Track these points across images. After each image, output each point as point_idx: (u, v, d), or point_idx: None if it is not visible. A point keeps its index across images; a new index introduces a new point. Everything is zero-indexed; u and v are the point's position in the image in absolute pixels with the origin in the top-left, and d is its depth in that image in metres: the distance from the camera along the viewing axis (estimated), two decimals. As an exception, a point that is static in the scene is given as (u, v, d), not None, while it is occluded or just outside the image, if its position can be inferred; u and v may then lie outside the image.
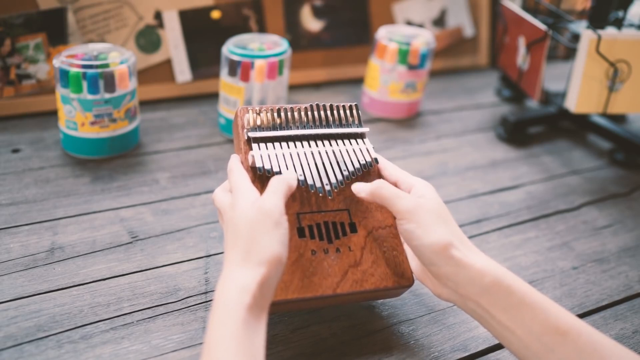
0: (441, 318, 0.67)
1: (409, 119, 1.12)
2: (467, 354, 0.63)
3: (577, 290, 0.74)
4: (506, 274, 0.55)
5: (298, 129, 0.65)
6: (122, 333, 0.61)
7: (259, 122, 0.64)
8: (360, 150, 0.66)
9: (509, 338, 0.53)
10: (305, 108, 0.66)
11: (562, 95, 1.01)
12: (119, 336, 0.60)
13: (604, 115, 1.10)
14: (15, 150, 0.88)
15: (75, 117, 0.84)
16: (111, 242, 0.73)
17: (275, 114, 0.65)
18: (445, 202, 0.88)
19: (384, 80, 1.07)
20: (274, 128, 0.64)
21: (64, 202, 0.79)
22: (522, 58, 1.08)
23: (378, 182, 0.60)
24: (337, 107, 0.67)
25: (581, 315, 0.71)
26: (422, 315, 0.67)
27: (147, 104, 1.04)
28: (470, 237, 0.81)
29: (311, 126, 0.66)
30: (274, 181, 0.58)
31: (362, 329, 0.65)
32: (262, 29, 1.13)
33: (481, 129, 1.12)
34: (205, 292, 0.67)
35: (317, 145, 0.65)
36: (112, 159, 0.88)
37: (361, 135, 0.67)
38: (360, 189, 0.61)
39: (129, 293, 0.66)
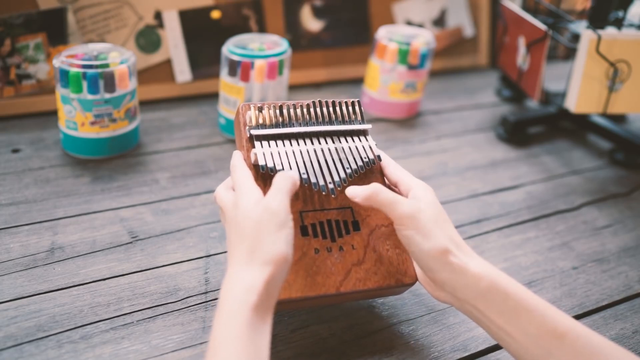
0: (441, 318, 0.67)
1: (409, 119, 1.12)
2: (467, 354, 0.63)
3: (577, 290, 0.74)
4: (502, 277, 0.54)
5: (300, 126, 0.65)
6: (122, 333, 0.61)
7: (261, 120, 0.64)
8: (363, 147, 0.65)
9: (507, 340, 0.53)
10: (308, 105, 0.65)
11: (562, 95, 1.01)
12: (119, 336, 0.60)
13: (604, 115, 1.10)
14: (15, 150, 0.88)
15: (75, 117, 0.84)
16: (111, 242, 0.73)
17: (278, 111, 0.64)
18: (445, 202, 0.89)
19: (384, 80, 1.07)
20: (276, 125, 0.64)
21: (64, 202, 0.79)
22: (522, 58, 1.08)
23: (375, 187, 0.58)
24: (340, 103, 0.67)
25: (581, 315, 0.71)
26: (422, 315, 0.67)
27: (147, 104, 1.04)
28: (470, 237, 0.81)
29: (313, 123, 0.65)
30: (278, 178, 0.57)
31: (362, 329, 0.65)
32: (262, 29, 1.13)
33: (481, 129, 1.12)
34: (205, 292, 0.67)
35: (319, 143, 0.64)
36: (112, 159, 0.88)
37: (364, 132, 0.67)
38: (355, 193, 0.58)
39: (129, 293, 0.66)
